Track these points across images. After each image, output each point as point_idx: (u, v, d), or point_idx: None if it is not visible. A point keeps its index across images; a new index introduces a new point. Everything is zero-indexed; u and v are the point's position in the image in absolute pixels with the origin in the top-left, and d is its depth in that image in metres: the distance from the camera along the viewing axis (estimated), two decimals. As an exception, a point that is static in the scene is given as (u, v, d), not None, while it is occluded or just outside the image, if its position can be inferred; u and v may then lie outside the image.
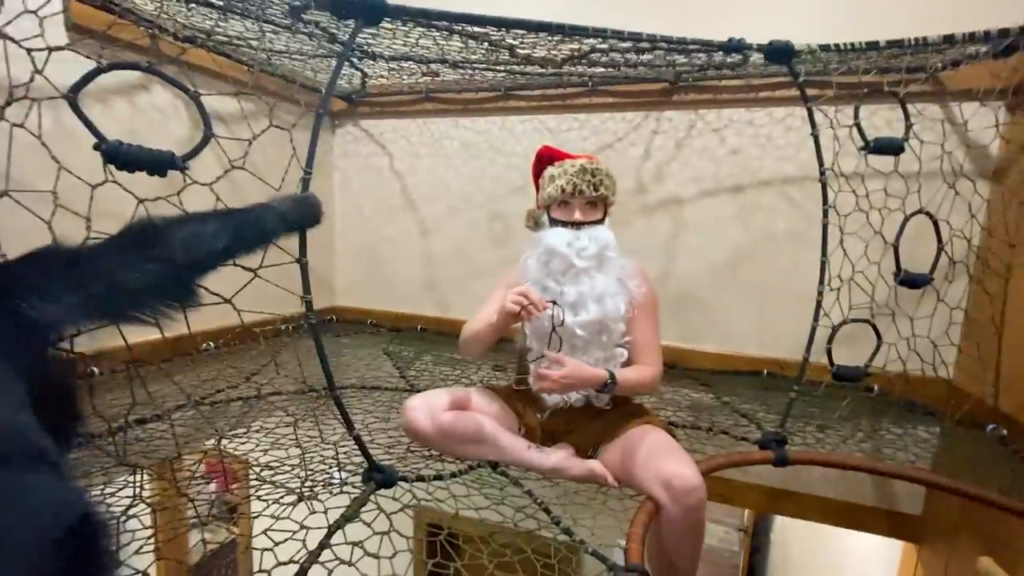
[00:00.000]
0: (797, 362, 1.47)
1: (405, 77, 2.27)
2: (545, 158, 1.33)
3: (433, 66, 1.85)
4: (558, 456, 1.24)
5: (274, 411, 1.52)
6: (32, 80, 0.99)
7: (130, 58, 1.22)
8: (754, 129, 2.03)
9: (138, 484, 1.07)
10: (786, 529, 3.94)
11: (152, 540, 0.96)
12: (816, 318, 1.42)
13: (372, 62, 1.93)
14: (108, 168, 0.99)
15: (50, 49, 0.99)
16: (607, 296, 1.22)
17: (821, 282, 1.42)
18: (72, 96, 0.91)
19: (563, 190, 1.23)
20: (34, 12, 1.03)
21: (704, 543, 1.14)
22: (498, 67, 1.97)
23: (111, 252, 0.67)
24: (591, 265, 1.22)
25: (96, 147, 0.91)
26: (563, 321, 1.18)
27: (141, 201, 1.07)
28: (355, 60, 1.96)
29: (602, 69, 1.97)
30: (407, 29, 1.39)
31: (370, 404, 1.68)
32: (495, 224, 2.47)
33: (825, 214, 1.40)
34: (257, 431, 1.38)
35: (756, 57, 1.52)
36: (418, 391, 1.74)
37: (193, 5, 1.28)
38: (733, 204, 2.07)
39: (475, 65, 1.91)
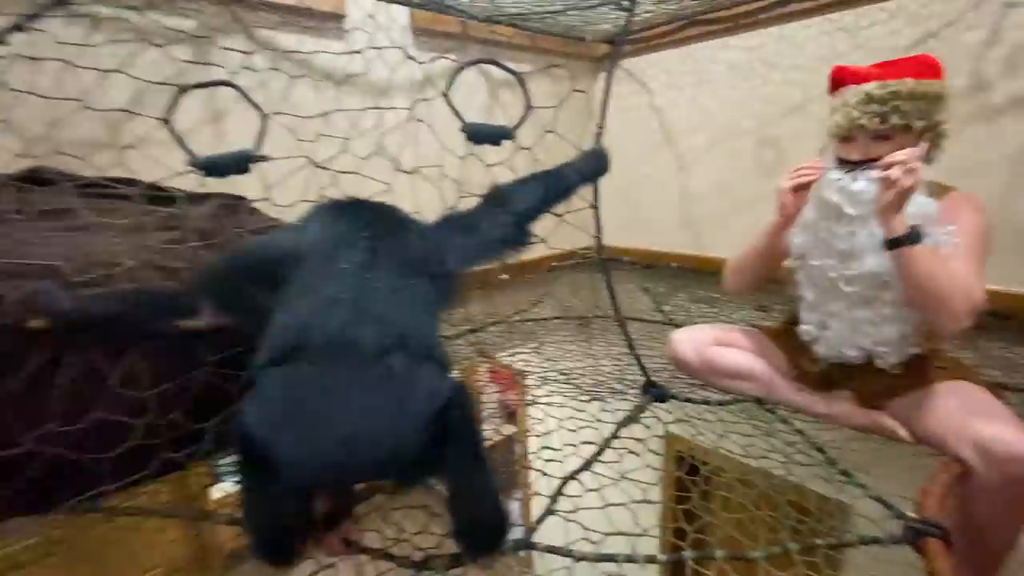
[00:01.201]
0: None
1: (673, 6, 2.19)
2: (834, 82, 1.13)
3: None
4: (836, 401, 1.19)
5: (559, 331, 1.84)
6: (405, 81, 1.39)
7: (444, 43, 1.56)
8: None
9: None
10: None
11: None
12: None
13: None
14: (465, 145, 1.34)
15: (434, 59, 1.36)
16: None
17: None
18: (445, 92, 1.24)
19: (839, 126, 1.06)
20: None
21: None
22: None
23: (479, 214, 0.96)
24: (866, 212, 1.02)
25: (462, 129, 1.23)
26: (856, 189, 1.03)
27: (490, 166, 1.41)
28: (623, 1, 1.99)
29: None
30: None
31: (633, 334, 1.86)
32: (764, 152, 2.27)
33: None
34: (549, 347, 1.71)
35: None
36: (676, 325, 1.85)
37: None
38: None
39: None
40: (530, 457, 1.19)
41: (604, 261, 1.17)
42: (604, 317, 1.85)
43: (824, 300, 1.13)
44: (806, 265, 1.15)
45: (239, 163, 1.12)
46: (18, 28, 1.02)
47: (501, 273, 2.37)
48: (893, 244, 0.95)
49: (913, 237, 0.94)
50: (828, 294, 1.12)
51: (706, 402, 1.31)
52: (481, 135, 1.20)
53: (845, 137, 1.07)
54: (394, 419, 0.63)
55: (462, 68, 1.24)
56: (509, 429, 4.29)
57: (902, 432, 1.10)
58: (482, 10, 1.83)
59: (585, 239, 2.05)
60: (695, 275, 2.54)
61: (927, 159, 1.05)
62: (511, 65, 1.45)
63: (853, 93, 1.04)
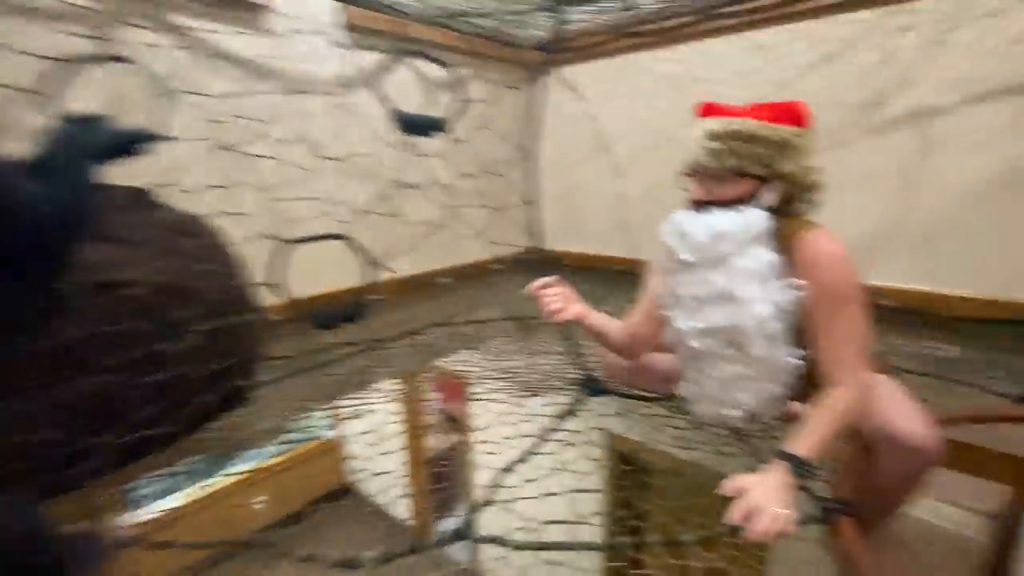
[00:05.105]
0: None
1: (603, 17, 2.27)
2: (697, 115, 1.04)
3: None
4: None
5: (500, 332, 1.83)
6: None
7: (379, 43, 1.53)
8: (1063, 4, 1.54)
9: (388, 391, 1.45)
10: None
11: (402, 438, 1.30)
12: None
13: (570, 7, 1.98)
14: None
15: (365, 50, 1.31)
16: (735, 298, 0.95)
17: None
18: (374, 82, 1.21)
19: (684, 161, 1.00)
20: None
21: (934, 524, 1.01)
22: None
23: None
24: (699, 259, 0.97)
25: (393, 118, 1.19)
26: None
27: (421, 156, 1.38)
28: (557, 10, 2.04)
29: (832, -36, 1.69)
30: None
31: (570, 335, 1.88)
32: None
33: None
34: (490, 347, 1.69)
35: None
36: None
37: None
38: (1010, 110, 1.64)
39: (677, -11, 1.82)
40: (472, 452, 1.16)
41: (540, 257, 1.17)
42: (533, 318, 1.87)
43: (690, 357, 1.05)
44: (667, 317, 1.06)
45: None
46: None
47: (441, 276, 2.34)
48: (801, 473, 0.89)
49: (802, 467, 0.88)
50: (689, 350, 1.03)
51: (641, 397, 1.34)
52: (412, 125, 1.18)
53: (693, 174, 1.00)
54: None
55: (394, 58, 1.22)
56: (454, 438, 4.21)
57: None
58: (417, 11, 1.81)
59: (522, 241, 2.09)
60: (631, 277, 2.62)
61: (785, 209, 0.98)
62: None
63: (700, 128, 0.98)
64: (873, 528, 1.12)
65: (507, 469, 1.03)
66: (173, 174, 1.22)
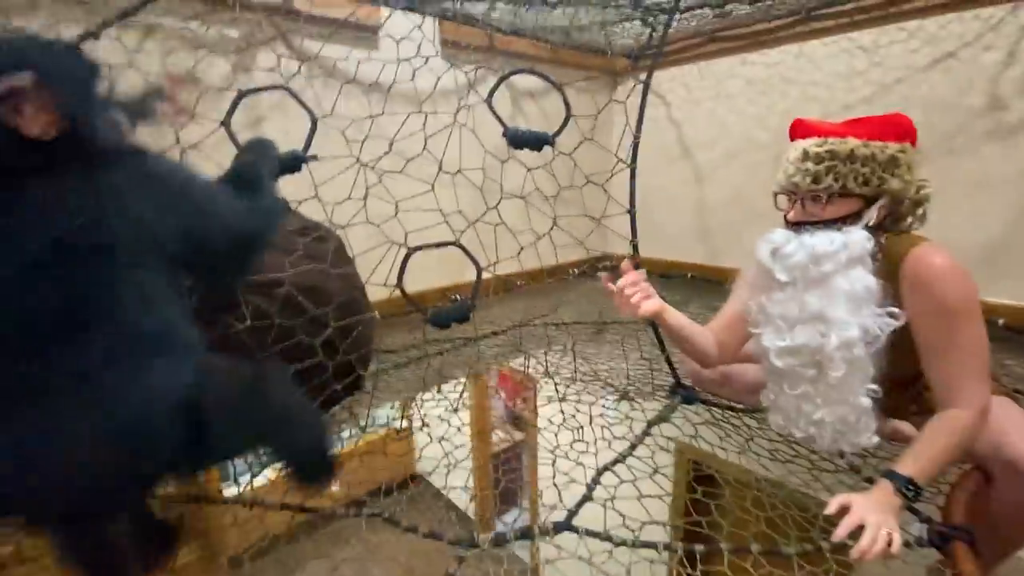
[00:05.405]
0: None
1: (693, 23, 2.26)
2: (790, 134, 1.03)
3: (729, 7, 1.81)
4: None
5: (580, 335, 1.88)
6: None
7: (471, 55, 1.60)
8: None
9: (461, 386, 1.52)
10: None
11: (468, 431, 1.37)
12: None
13: (664, 16, 1.99)
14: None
15: (476, 68, 1.42)
16: (826, 320, 0.92)
17: None
18: (488, 100, 1.29)
19: (777, 181, 0.99)
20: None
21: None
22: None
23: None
24: (795, 280, 0.95)
25: (504, 134, 1.27)
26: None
27: (529, 170, 1.45)
28: (650, 18, 2.05)
29: (949, -39, 1.60)
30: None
31: (648, 341, 1.89)
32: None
33: None
34: (575, 349, 1.74)
35: None
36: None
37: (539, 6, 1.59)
38: None
39: (775, -8, 1.79)
40: (559, 450, 1.22)
41: (638, 267, 1.21)
42: (629, 323, 1.90)
43: (773, 371, 1.04)
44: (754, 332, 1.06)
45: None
46: (92, 35, 1.08)
47: (529, 278, 2.41)
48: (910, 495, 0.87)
49: (913, 488, 0.86)
50: (772, 365, 1.02)
51: (731, 408, 1.34)
52: (522, 140, 1.24)
53: (789, 193, 0.99)
54: (100, 436, 0.59)
55: (506, 77, 1.29)
56: (517, 436, 4.29)
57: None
58: (509, 24, 1.89)
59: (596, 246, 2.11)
60: (708, 285, 2.58)
61: (891, 226, 0.96)
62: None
63: (794, 148, 0.97)
64: (984, 566, 1.06)
65: (604, 469, 1.08)
66: (308, 185, 1.39)
